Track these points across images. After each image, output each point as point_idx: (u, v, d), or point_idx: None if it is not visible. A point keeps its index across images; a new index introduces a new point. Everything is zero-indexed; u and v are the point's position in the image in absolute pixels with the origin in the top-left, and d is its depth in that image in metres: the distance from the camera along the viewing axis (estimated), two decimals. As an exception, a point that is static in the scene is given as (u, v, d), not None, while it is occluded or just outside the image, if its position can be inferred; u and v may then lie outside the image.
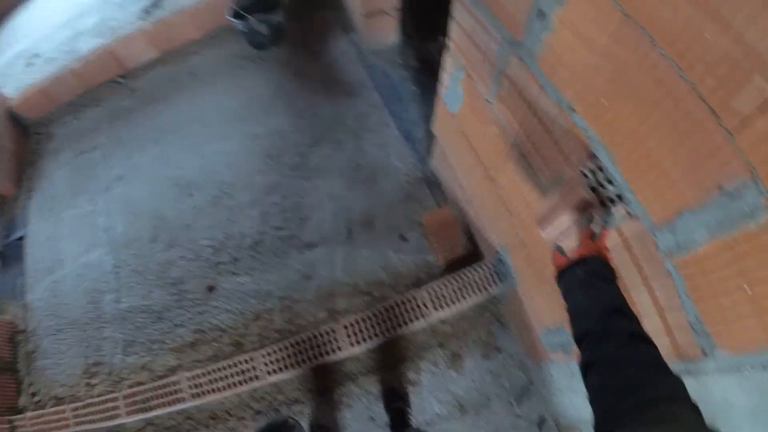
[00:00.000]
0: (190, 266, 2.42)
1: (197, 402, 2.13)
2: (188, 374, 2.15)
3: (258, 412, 2.19)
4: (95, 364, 2.48)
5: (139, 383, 2.33)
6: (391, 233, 2.28)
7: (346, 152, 2.48)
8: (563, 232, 1.06)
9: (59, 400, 2.54)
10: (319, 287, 2.24)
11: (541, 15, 0.97)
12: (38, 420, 2.43)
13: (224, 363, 2.11)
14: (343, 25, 2.98)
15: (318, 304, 2.22)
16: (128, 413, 2.22)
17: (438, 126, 2.03)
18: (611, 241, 1.04)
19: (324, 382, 2.15)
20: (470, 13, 1.31)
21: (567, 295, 0.88)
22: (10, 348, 2.80)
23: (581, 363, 0.73)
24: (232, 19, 2.86)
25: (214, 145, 2.67)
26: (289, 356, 2.04)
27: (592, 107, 0.93)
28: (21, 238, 3.02)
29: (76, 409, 2.34)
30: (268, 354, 2.07)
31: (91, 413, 2.30)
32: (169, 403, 2.16)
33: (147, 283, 2.47)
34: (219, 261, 2.38)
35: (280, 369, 2.05)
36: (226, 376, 2.09)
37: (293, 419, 0.89)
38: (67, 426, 2.34)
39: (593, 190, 0.96)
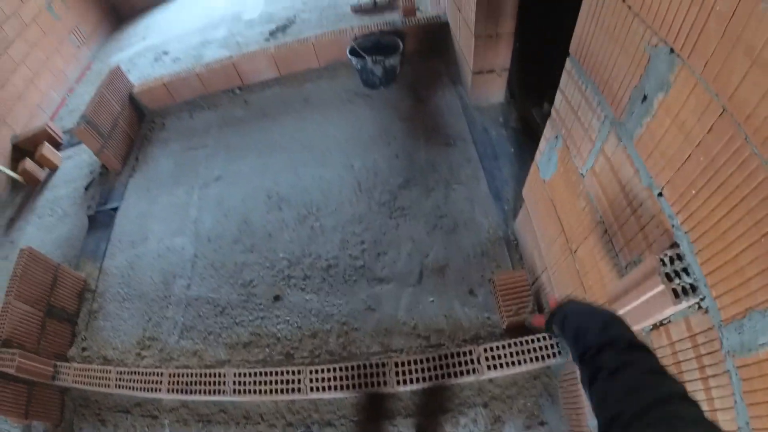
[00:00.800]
0: (263, 273, 2.74)
1: (236, 398, 2.37)
2: (235, 370, 2.40)
3: (290, 425, 2.39)
4: (150, 338, 2.80)
5: (187, 367, 2.61)
6: (461, 285, 2.50)
7: (433, 199, 2.77)
8: (631, 314, 1.21)
9: (107, 361, 2.87)
10: (380, 321, 2.47)
11: (644, 99, 1.08)
12: (82, 372, 2.75)
13: (272, 369, 2.34)
14: (452, 78, 3.37)
15: (374, 336, 2.44)
16: (169, 390, 2.48)
17: (528, 189, 2.23)
18: (678, 333, 1.15)
19: (361, 413, 2.33)
20: (577, 86, 1.49)
21: (564, 324, 0.97)
22: (76, 302, 3.21)
23: (585, 377, 0.80)
24: (351, 57, 3.31)
25: (311, 169, 3.06)
26: (335, 378, 2.24)
27: (681, 196, 1.01)
28: (114, 209, 3.50)
29: (122, 373, 2.64)
30: (316, 371, 2.28)
31: (135, 381, 2.58)
32: (210, 392, 2.40)
33: (219, 278, 2.81)
34: (291, 275, 2.69)
35: (323, 388, 2.25)
36: (271, 382, 2.32)
37: None
38: (107, 386, 2.64)
39: (668, 278, 1.04)
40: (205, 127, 3.69)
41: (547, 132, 1.83)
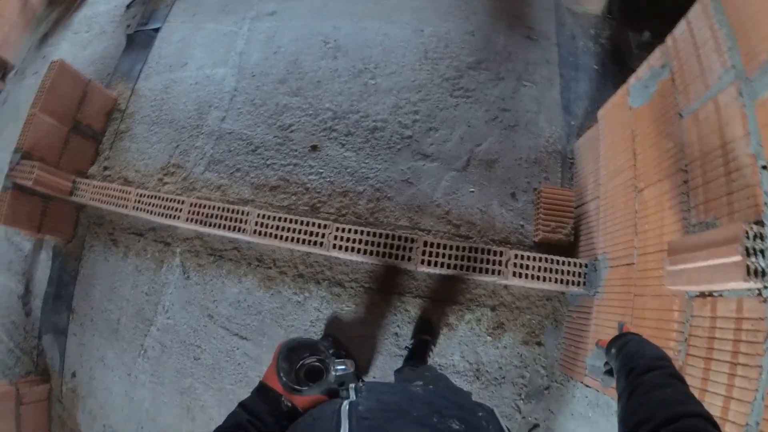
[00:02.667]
0: (305, 120, 2.66)
1: (254, 239, 2.36)
2: (260, 211, 2.37)
3: (300, 276, 2.40)
4: (175, 166, 2.78)
5: (208, 199, 2.58)
6: (505, 185, 2.41)
7: (500, 89, 2.61)
8: (688, 274, 1.21)
9: (127, 183, 2.87)
10: (414, 197, 2.40)
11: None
12: (101, 190, 2.77)
13: (299, 218, 2.30)
14: (553, -30, 3.07)
15: (405, 210, 2.39)
16: (189, 220, 2.48)
17: (606, 111, 2.09)
18: (725, 311, 1.13)
19: (373, 281, 2.32)
20: (709, 23, 1.35)
21: (625, 346, 1.03)
22: (104, 120, 3.18)
23: (626, 390, 0.86)
24: None
25: (377, 22, 2.88)
26: (360, 241, 2.21)
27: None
28: (156, 30, 3.36)
29: (142, 195, 2.64)
30: (343, 230, 2.24)
31: (154, 205, 2.59)
32: (228, 228, 2.40)
33: (258, 116, 2.74)
34: (333, 128, 2.60)
35: (347, 248, 2.22)
36: (294, 230, 2.29)
37: (323, 345, 0.90)
38: (125, 206, 2.66)
39: (747, 252, 1.04)
40: (265, -41, 3.45)
41: (654, 59, 1.67)
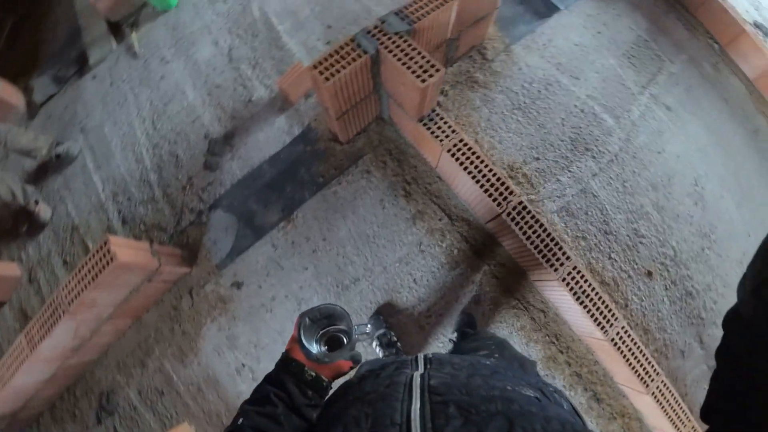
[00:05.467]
0: (654, 240, 2.63)
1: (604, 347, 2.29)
2: (625, 325, 2.24)
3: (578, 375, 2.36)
4: (524, 177, 2.60)
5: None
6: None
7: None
8: None
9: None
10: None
11: None
12: (457, 143, 2.32)
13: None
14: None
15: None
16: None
17: None
18: None
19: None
20: None
21: None
22: (465, 50, 2.64)
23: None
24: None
25: (732, 199, 2.86)
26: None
27: None
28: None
29: (525, 209, 2.29)
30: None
31: (535, 232, 2.25)
32: (592, 316, 2.25)
33: (621, 201, 2.65)
34: (668, 268, 2.62)
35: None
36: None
37: (343, 310, 0.90)
38: (500, 205, 2.28)
39: None
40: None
41: None
